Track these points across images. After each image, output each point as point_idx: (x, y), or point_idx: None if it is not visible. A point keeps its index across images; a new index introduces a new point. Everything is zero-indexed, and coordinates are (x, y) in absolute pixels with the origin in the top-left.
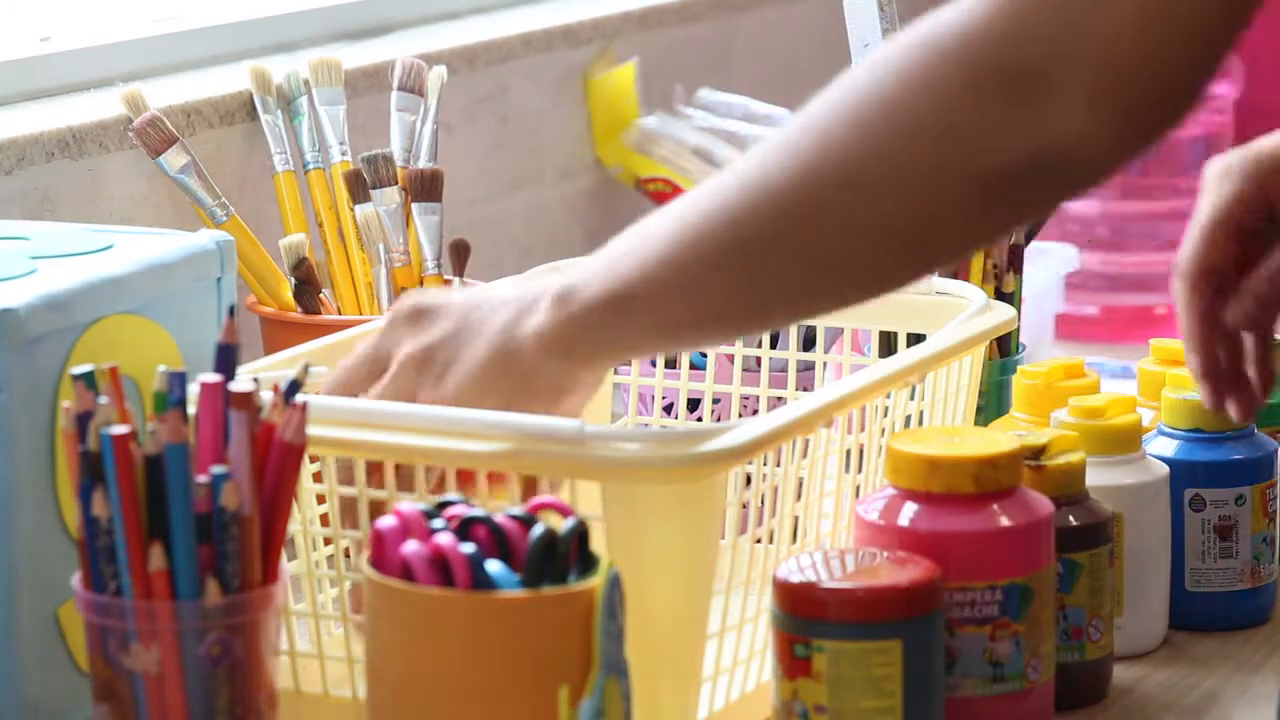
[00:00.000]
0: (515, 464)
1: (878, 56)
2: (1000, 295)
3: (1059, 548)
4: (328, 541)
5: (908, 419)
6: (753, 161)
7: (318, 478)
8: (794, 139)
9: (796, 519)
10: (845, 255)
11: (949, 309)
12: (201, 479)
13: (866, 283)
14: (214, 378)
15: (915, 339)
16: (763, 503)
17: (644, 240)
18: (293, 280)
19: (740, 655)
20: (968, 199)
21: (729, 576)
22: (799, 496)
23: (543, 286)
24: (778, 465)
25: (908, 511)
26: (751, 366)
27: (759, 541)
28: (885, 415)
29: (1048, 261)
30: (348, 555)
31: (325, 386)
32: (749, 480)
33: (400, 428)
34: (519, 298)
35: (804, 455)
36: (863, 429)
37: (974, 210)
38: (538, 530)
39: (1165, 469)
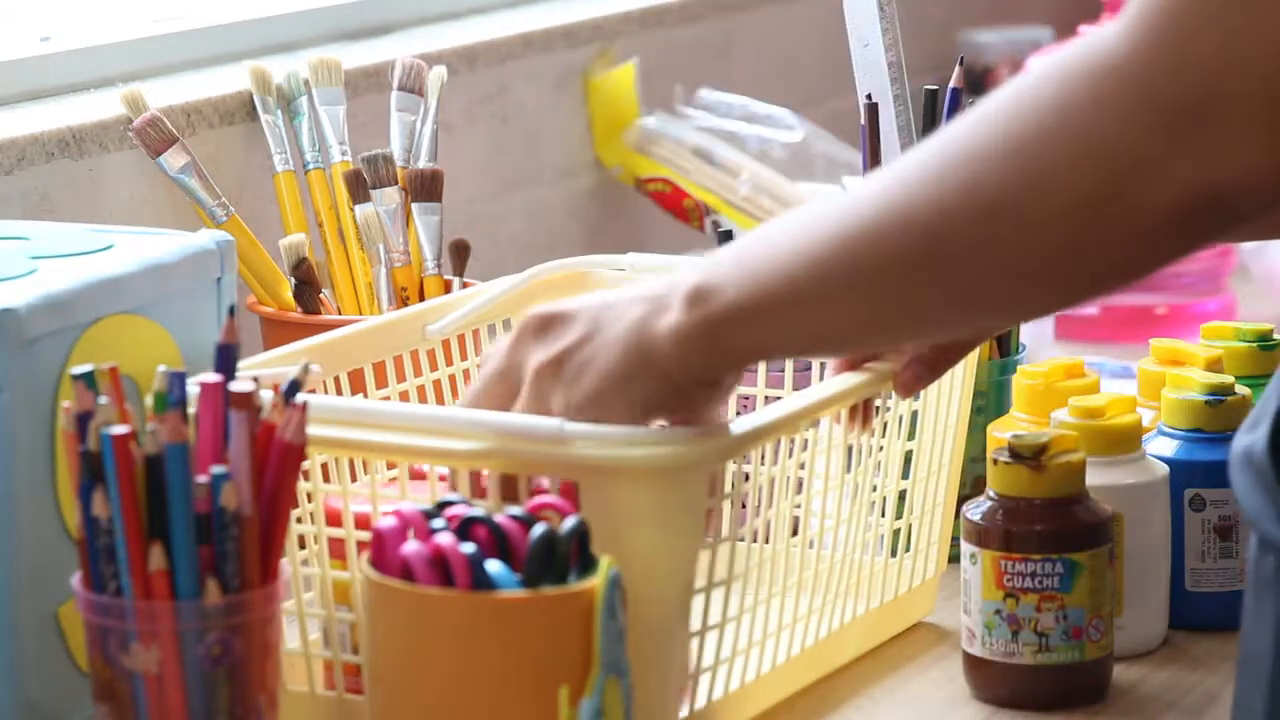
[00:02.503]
0: (495, 462)
1: (1024, 85)
2: None
3: (1059, 548)
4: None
5: (901, 418)
6: (893, 183)
7: (305, 475)
8: (937, 165)
9: (796, 519)
10: (994, 285)
11: None
12: (201, 479)
13: (1014, 312)
14: (214, 378)
15: None
16: (759, 500)
17: (778, 249)
18: (293, 280)
19: (723, 654)
20: (1131, 234)
21: (716, 574)
22: (798, 493)
23: (670, 285)
24: (774, 464)
25: None
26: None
27: (753, 540)
28: (878, 414)
29: None
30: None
31: (466, 402)
32: (747, 478)
33: (382, 426)
34: (648, 296)
35: (804, 450)
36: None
37: (1136, 246)
38: (538, 530)
39: (1165, 469)
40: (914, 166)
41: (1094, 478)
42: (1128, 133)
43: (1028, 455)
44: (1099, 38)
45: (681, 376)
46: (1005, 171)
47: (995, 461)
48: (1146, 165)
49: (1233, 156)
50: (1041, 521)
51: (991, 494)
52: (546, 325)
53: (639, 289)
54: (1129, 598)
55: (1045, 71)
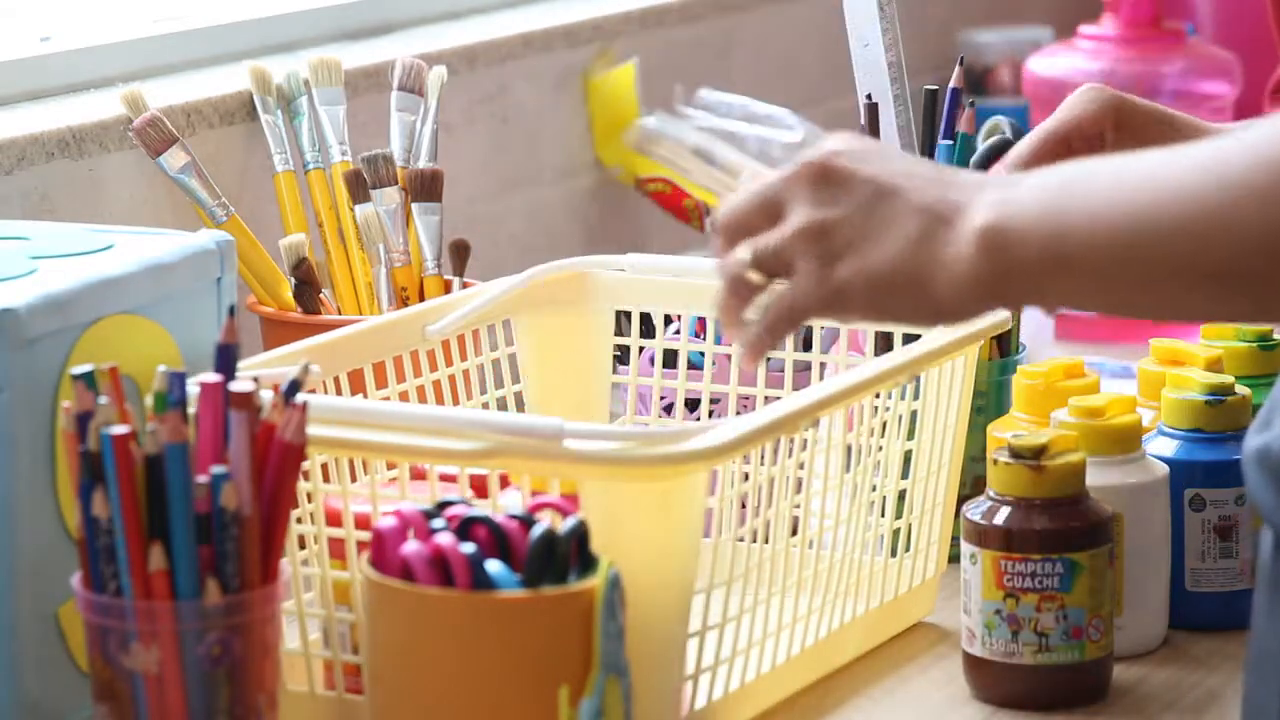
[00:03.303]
0: (495, 462)
1: None
2: None
3: (1059, 548)
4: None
5: (901, 418)
6: (1224, 155)
7: (305, 475)
8: (1271, 152)
9: (796, 519)
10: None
11: None
12: (201, 479)
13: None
14: (214, 378)
15: (911, 339)
16: (759, 499)
17: (1089, 196)
18: (293, 280)
19: (723, 654)
20: None
21: (716, 574)
22: (798, 493)
23: (960, 200)
24: (774, 463)
25: None
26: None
27: (753, 540)
28: (877, 414)
29: None
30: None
31: (721, 214)
32: (747, 478)
33: (382, 426)
34: (933, 207)
35: (803, 450)
36: (863, 428)
37: None
38: (538, 530)
39: (1165, 469)
40: (1248, 144)
41: (1094, 478)
42: None
43: (1028, 455)
44: None
45: (951, 309)
46: None
47: (995, 461)
48: None
49: None
50: (1042, 521)
51: (991, 493)
52: (827, 179)
53: (932, 185)
54: (1129, 598)
55: None
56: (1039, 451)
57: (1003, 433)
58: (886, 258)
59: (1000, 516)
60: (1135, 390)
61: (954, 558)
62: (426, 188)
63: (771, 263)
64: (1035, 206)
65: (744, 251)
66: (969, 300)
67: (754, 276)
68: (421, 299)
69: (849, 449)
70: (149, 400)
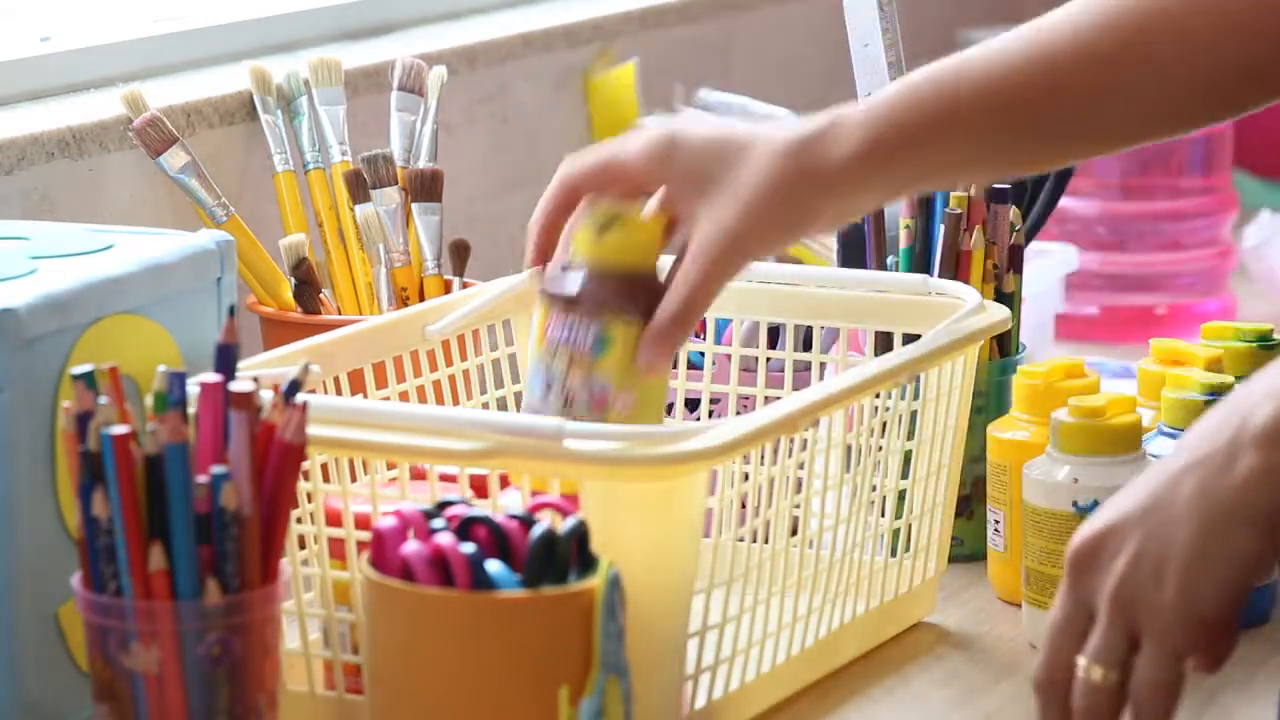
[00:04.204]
0: (495, 462)
1: None
2: (1000, 295)
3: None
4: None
5: (901, 418)
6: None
7: (305, 475)
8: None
9: (796, 519)
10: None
11: (947, 309)
12: (201, 479)
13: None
14: (214, 378)
15: (911, 339)
16: (759, 499)
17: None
18: (293, 280)
19: (723, 654)
20: None
21: (716, 574)
22: (798, 492)
23: (1237, 434)
24: (774, 463)
25: None
26: (750, 366)
27: (753, 540)
28: (877, 414)
29: (1048, 262)
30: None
31: (1043, 656)
32: (747, 478)
33: (382, 426)
34: (1200, 461)
35: (803, 450)
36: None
37: None
38: (538, 530)
39: None
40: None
41: (1094, 478)
42: None
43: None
44: None
45: (1267, 515)
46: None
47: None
48: None
49: None
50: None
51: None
52: (1097, 551)
53: (1180, 453)
54: None
55: None
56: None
57: (1001, 432)
58: (1192, 533)
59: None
60: (1135, 390)
61: (954, 558)
62: (426, 188)
63: (1109, 653)
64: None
65: (1082, 665)
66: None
67: (1095, 675)
68: (421, 299)
69: (849, 449)
70: (149, 400)
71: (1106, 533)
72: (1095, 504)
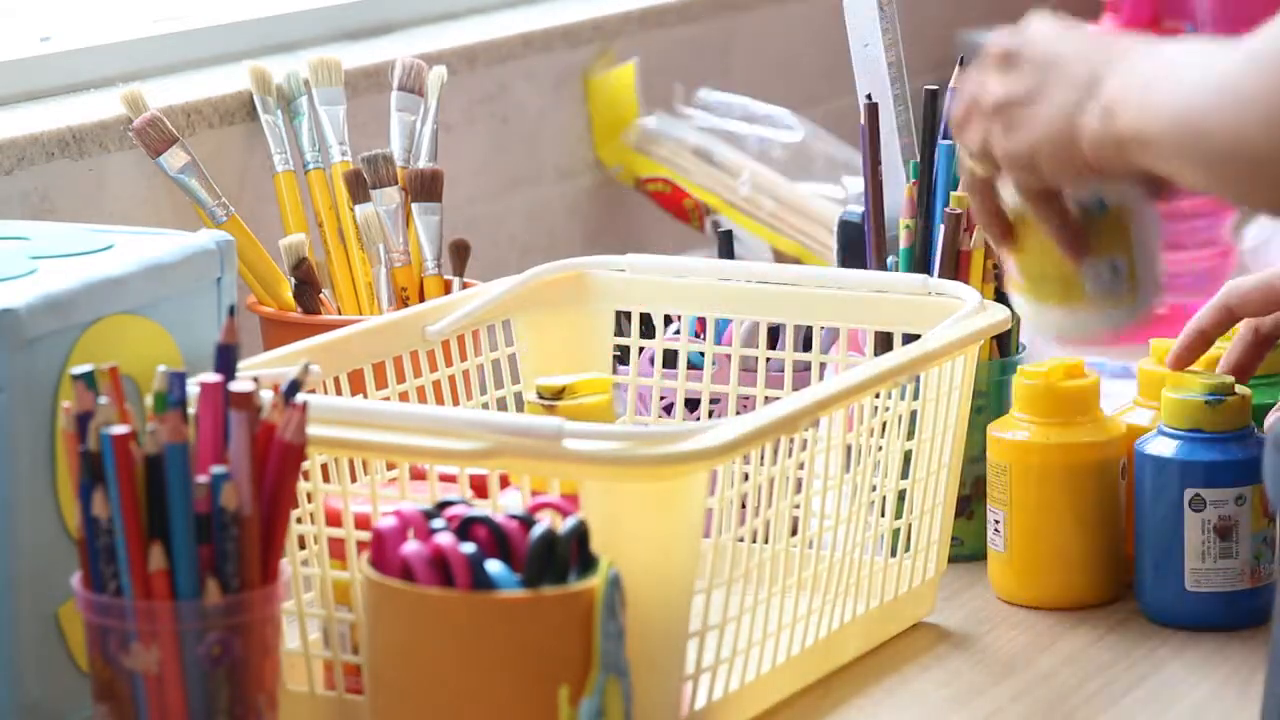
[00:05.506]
0: (495, 462)
1: None
2: (1000, 295)
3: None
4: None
5: (901, 418)
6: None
7: (305, 475)
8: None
9: (796, 519)
10: None
11: (947, 310)
12: (201, 479)
13: None
14: (214, 378)
15: (911, 339)
16: (759, 499)
17: (1178, 87)
18: (293, 280)
19: (723, 654)
20: None
21: (716, 574)
22: (798, 493)
23: (1096, 71)
24: (774, 463)
25: None
26: (750, 366)
27: (753, 540)
28: (877, 414)
29: None
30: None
31: (960, 96)
32: (747, 478)
33: (382, 426)
34: (1077, 82)
35: (803, 450)
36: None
37: None
38: (538, 530)
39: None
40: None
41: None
42: None
43: (547, 396)
44: None
45: (1099, 165)
46: None
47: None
48: None
49: None
50: None
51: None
52: (1003, 61)
53: (1081, 58)
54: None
55: None
56: (559, 393)
57: (1001, 432)
58: (1045, 128)
59: None
60: (1135, 390)
61: (953, 558)
62: (426, 188)
63: (982, 150)
64: (1139, 80)
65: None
66: (1103, 159)
67: (979, 169)
68: (421, 299)
69: (849, 449)
70: (149, 400)
71: (1014, 59)
72: None
